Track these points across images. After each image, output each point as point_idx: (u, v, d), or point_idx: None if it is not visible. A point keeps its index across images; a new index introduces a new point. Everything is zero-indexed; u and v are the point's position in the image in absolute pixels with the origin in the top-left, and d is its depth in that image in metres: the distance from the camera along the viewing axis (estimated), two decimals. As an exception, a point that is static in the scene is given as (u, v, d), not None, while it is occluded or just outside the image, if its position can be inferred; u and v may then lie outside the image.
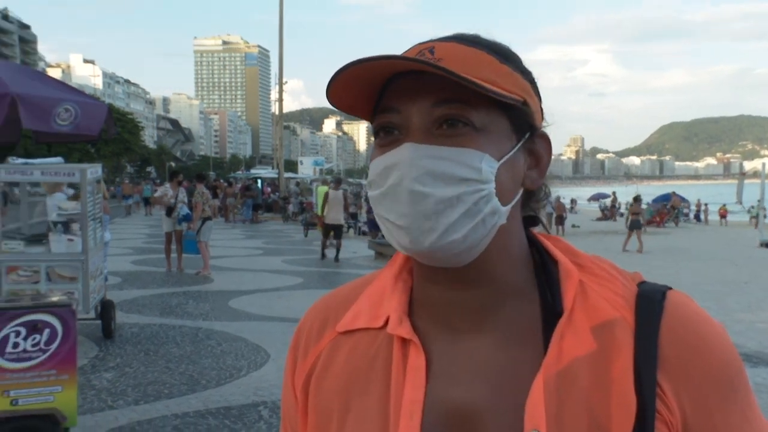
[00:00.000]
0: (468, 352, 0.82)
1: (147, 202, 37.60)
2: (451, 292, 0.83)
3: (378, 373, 0.84)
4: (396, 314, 0.85)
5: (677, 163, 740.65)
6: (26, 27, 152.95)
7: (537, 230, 0.92)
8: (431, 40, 0.83)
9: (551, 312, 0.81)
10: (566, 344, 0.78)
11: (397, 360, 0.83)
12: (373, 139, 0.85)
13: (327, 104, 0.81)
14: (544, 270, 0.85)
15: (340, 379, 0.87)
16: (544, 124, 0.87)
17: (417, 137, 0.77)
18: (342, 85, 0.79)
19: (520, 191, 0.84)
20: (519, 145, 0.82)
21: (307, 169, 53.51)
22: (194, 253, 13.51)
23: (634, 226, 21.66)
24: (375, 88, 0.81)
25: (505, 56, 0.83)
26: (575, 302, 0.80)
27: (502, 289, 0.83)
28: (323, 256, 16.61)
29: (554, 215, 27.93)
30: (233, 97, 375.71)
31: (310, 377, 0.90)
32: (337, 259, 16.27)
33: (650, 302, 0.80)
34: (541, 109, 0.87)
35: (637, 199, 23.82)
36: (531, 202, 0.89)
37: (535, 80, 0.86)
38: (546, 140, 0.86)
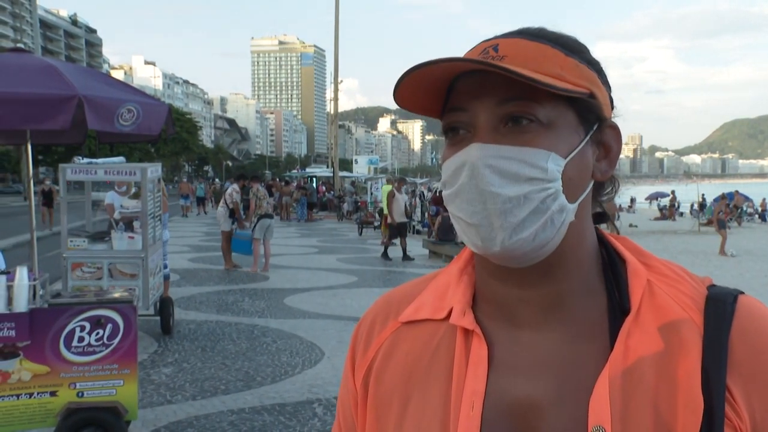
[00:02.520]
0: (531, 346, 0.81)
1: (200, 201, 38.21)
2: (518, 289, 0.82)
3: (440, 363, 0.84)
4: (459, 306, 0.86)
5: (741, 161, 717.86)
6: (93, 31, 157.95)
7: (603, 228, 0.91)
8: (496, 37, 0.82)
9: (618, 310, 0.80)
10: (633, 342, 0.77)
11: (460, 351, 0.83)
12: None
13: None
14: (612, 268, 0.84)
15: (402, 370, 0.87)
16: (613, 114, 0.86)
17: (484, 136, 0.78)
18: (408, 88, 0.79)
19: (590, 184, 0.83)
20: (587, 138, 0.81)
21: (361, 167, 53.64)
22: (243, 252, 13.49)
23: (722, 226, 21.22)
24: (442, 88, 0.81)
25: (571, 48, 0.82)
26: (643, 301, 0.80)
27: (570, 287, 0.82)
28: (387, 256, 16.28)
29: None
30: (289, 96, 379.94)
31: (370, 370, 0.91)
32: (404, 258, 16.09)
33: (720, 304, 0.78)
34: (611, 99, 0.85)
35: (722, 197, 23.69)
36: (599, 196, 0.88)
37: (603, 70, 0.85)
38: (616, 130, 0.85)
